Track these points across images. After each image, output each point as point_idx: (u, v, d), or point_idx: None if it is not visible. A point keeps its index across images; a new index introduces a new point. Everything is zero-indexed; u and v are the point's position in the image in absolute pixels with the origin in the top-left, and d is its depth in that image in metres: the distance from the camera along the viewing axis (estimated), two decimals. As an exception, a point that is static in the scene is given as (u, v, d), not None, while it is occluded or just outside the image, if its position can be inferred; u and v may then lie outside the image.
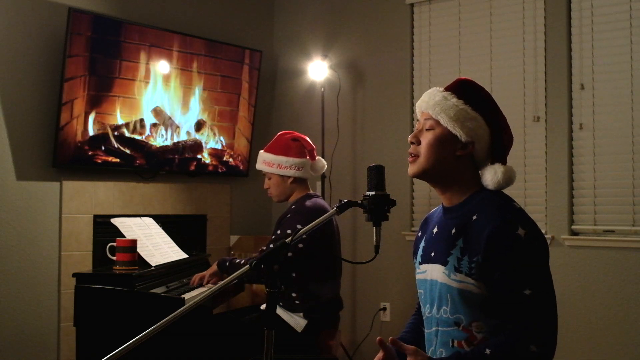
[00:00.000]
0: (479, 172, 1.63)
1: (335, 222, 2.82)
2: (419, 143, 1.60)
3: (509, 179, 1.57)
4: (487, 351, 1.43)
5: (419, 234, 1.77)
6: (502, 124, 1.63)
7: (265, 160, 2.79)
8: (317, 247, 2.64)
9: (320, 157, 2.91)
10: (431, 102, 1.59)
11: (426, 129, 1.60)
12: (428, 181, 1.64)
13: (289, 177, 2.77)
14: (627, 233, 3.17)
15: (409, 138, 1.62)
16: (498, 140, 1.60)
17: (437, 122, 1.58)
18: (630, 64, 3.18)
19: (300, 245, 2.57)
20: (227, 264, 2.79)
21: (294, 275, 2.65)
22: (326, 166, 2.98)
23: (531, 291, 1.43)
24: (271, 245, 2.62)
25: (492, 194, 1.58)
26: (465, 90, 1.61)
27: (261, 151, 2.85)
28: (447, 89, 1.62)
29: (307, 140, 2.83)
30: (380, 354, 1.60)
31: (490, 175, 1.57)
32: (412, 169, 1.61)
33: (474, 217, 1.53)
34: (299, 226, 2.60)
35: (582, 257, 3.25)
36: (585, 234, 3.28)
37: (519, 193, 3.42)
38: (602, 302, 3.18)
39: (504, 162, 1.60)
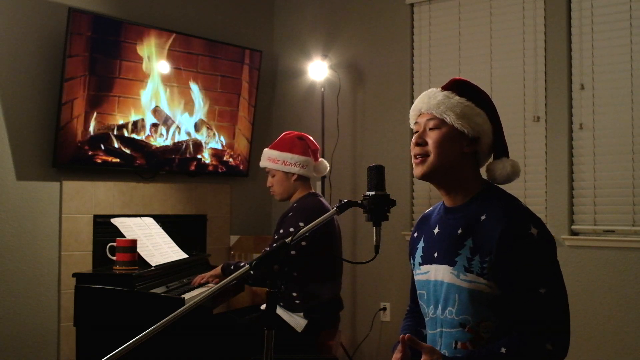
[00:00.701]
0: (487, 167, 1.65)
1: (336, 222, 2.83)
2: (425, 144, 1.58)
3: (517, 171, 1.61)
4: (503, 350, 1.43)
5: (415, 234, 1.76)
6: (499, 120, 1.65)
7: (270, 157, 2.80)
8: (318, 247, 2.64)
9: (323, 159, 2.93)
10: (433, 102, 1.58)
11: (430, 129, 1.59)
12: (435, 181, 1.62)
13: (293, 174, 2.77)
14: (627, 233, 3.16)
15: (415, 139, 1.60)
16: (499, 135, 1.63)
17: (442, 121, 1.57)
18: (630, 64, 3.18)
19: (303, 243, 2.58)
20: (232, 267, 2.78)
21: (294, 274, 2.65)
22: (328, 168, 2.99)
23: (546, 290, 1.44)
24: (274, 245, 2.62)
25: (497, 194, 1.59)
26: (464, 89, 1.61)
27: (266, 149, 2.86)
28: (444, 88, 1.62)
29: (312, 141, 2.85)
30: (398, 354, 1.55)
31: (499, 169, 1.60)
32: (421, 169, 1.59)
33: (483, 217, 1.53)
34: (301, 224, 2.60)
35: (582, 257, 3.25)
36: (585, 234, 3.28)
37: (519, 193, 3.41)
38: (602, 302, 3.18)
39: (507, 157, 1.63)
